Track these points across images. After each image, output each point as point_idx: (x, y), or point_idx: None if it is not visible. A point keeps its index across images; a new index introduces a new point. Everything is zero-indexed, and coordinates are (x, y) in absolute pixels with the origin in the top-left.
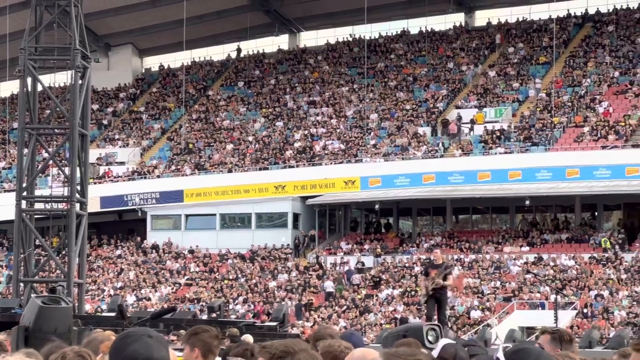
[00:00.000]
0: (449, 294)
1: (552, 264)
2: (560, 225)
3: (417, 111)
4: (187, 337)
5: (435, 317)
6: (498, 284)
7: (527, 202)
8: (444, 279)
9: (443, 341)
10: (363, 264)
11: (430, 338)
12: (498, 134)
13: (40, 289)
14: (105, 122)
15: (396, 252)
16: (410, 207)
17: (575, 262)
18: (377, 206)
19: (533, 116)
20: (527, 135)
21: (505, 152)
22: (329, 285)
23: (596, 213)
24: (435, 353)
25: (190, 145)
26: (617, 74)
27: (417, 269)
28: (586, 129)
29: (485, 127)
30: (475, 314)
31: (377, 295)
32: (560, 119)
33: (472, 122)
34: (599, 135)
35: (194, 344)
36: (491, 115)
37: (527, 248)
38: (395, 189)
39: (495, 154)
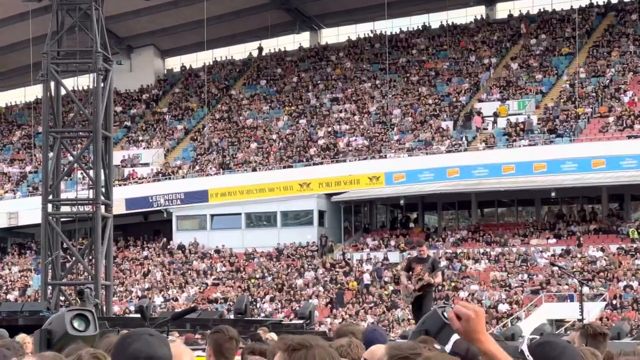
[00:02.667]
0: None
1: (579, 255)
2: (587, 217)
3: (439, 105)
4: (209, 335)
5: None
6: (525, 276)
7: (553, 194)
8: (433, 275)
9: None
10: (387, 258)
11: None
12: (522, 127)
13: (69, 292)
14: (128, 124)
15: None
16: (435, 202)
17: (603, 254)
18: (402, 201)
19: (557, 107)
20: (551, 127)
21: (530, 145)
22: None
23: (623, 203)
24: (447, 348)
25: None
26: None
27: (444, 263)
28: (611, 119)
29: (508, 119)
30: (503, 308)
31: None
32: (585, 110)
33: (495, 115)
34: (624, 125)
35: (208, 343)
36: (514, 108)
37: (554, 240)
38: (420, 183)
39: (520, 146)
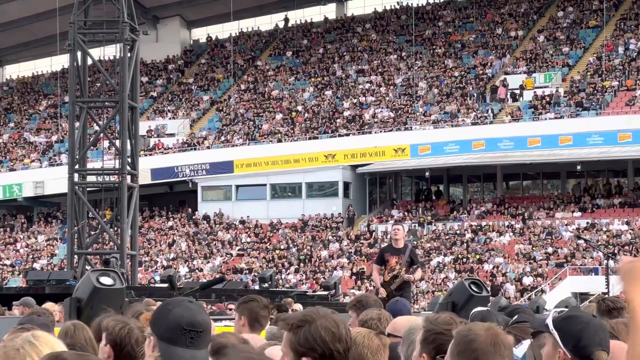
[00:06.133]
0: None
1: (604, 229)
2: (612, 190)
3: (465, 78)
4: (237, 305)
5: None
6: (550, 250)
7: (579, 168)
8: (411, 271)
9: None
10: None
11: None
12: (548, 99)
13: (94, 261)
14: (154, 94)
15: (447, 219)
16: (460, 174)
17: (629, 227)
18: (427, 173)
19: (583, 80)
20: (577, 100)
21: (556, 118)
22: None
23: None
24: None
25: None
26: None
27: (468, 235)
28: (638, 93)
29: (534, 92)
30: (528, 280)
31: (428, 263)
32: (612, 83)
33: (522, 87)
34: None
35: (242, 313)
36: (540, 81)
37: (579, 213)
38: (445, 156)
39: (546, 119)
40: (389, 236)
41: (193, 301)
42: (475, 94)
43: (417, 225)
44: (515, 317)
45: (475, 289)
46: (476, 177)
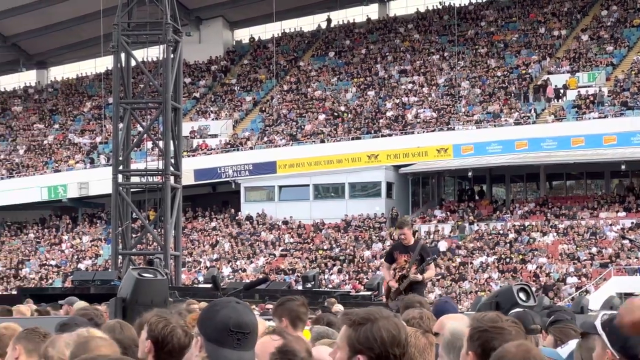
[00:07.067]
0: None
1: None
2: None
3: (508, 77)
4: (274, 309)
5: None
6: (594, 250)
7: (623, 167)
8: (422, 270)
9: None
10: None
11: (521, 296)
12: (592, 99)
13: (138, 262)
14: (197, 95)
15: (490, 219)
16: (503, 174)
17: None
18: (469, 173)
19: (628, 80)
20: (621, 99)
21: (600, 117)
22: (443, 245)
23: None
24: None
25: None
26: None
27: (511, 235)
28: None
29: (578, 92)
30: (571, 281)
31: (471, 263)
32: None
33: (565, 87)
34: None
35: (281, 315)
36: (584, 80)
37: (624, 213)
38: (488, 156)
39: (589, 119)
40: (431, 236)
41: (240, 302)
42: (518, 94)
43: (457, 227)
44: (552, 317)
45: (523, 298)
46: (519, 177)
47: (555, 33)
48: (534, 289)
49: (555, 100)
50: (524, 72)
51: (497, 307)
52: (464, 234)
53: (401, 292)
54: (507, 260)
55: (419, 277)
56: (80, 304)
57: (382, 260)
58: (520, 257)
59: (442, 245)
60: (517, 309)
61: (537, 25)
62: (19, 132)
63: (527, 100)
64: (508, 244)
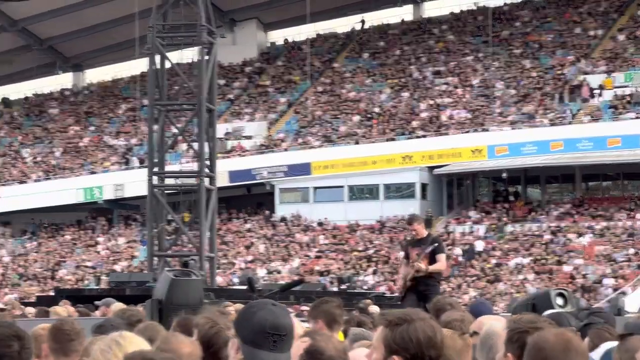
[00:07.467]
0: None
1: None
2: None
3: (543, 78)
4: (310, 311)
5: None
6: (631, 251)
7: None
8: (430, 261)
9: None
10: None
11: (559, 302)
12: (628, 99)
13: (174, 263)
14: (231, 96)
15: (525, 221)
16: (538, 175)
17: None
18: (504, 174)
19: None
20: None
21: (637, 117)
22: (480, 245)
23: None
24: None
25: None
26: None
27: (547, 236)
28: None
29: (614, 92)
30: (608, 282)
31: (506, 264)
32: None
33: (601, 87)
34: None
35: (316, 317)
36: (620, 80)
37: None
38: (523, 157)
39: (626, 119)
40: (465, 237)
41: (277, 304)
42: (553, 94)
43: (496, 227)
44: (586, 320)
45: (560, 303)
46: (554, 178)
47: (591, 33)
48: (572, 290)
49: (591, 100)
50: (559, 72)
51: (533, 308)
52: (503, 233)
53: (409, 284)
54: (543, 261)
55: (423, 267)
56: (118, 305)
57: (403, 258)
58: (556, 258)
59: (479, 245)
60: (552, 311)
61: (573, 25)
62: (55, 134)
63: (563, 100)
64: (544, 245)
